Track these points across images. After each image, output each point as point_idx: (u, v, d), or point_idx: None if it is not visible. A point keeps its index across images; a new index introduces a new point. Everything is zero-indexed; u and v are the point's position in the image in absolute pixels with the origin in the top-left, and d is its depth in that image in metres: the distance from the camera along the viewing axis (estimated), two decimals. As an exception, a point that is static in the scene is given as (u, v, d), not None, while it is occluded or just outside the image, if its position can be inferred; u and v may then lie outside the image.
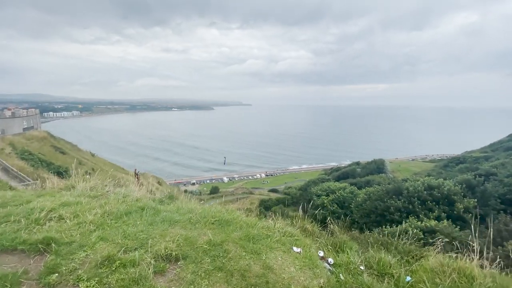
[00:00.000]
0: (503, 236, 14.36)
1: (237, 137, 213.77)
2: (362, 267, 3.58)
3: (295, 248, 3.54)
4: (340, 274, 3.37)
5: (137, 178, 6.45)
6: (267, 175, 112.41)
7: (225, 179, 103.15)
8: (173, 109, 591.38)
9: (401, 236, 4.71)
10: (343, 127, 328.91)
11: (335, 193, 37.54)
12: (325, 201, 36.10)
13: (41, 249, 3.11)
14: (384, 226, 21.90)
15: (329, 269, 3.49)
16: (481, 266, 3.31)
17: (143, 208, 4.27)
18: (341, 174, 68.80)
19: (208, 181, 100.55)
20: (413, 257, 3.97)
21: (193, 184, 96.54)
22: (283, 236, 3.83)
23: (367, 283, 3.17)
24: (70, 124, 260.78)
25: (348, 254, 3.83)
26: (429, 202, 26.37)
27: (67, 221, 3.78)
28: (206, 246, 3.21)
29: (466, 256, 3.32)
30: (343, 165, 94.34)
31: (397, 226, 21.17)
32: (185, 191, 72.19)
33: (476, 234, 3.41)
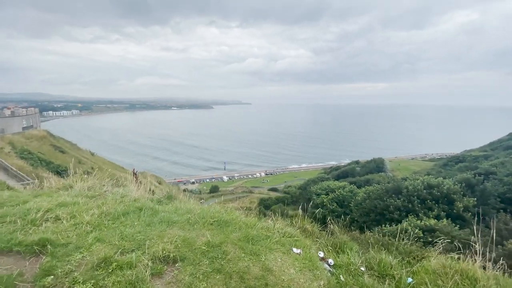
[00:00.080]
0: (503, 235, 14.37)
1: (236, 136, 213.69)
2: (362, 268, 3.54)
3: (295, 249, 3.50)
4: (341, 275, 3.33)
5: (136, 177, 6.39)
6: (266, 174, 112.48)
7: (225, 178, 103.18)
8: (172, 108, 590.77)
9: (401, 236, 4.66)
10: (343, 126, 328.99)
11: (335, 192, 37.53)
12: (325, 200, 36.09)
13: (37, 251, 3.06)
14: (383, 225, 21.91)
15: (329, 270, 3.45)
16: (483, 267, 3.27)
17: (141, 209, 4.21)
18: (341, 173, 68.86)
19: (207, 180, 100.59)
20: (414, 257, 3.92)
21: (193, 183, 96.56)
22: (283, 236, 3.78)
23: (367, 284, 3.13)
24: (69, 123, 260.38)
25: (348, 254, 3.79)
26: (428, 201, 26.38)
27: (64, 221, 3.72)
28: (204, 248, 3.15)
29: (469, 257, 3.28)
30: (342, 164, 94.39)
31: (396, 225, 21.21)
32: (185, 190, 72.25)
33: (479, 235, 3.36)
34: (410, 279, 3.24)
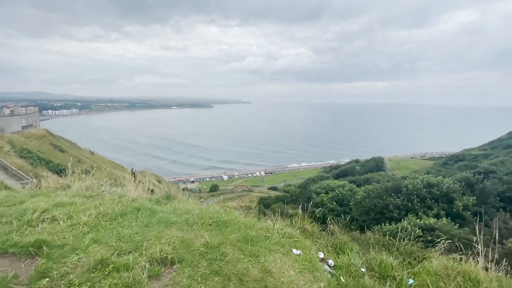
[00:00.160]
0: (503, 234, 14.36)
1: (236, 135, 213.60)
2: (363, 269, 3.50)
3: (294, 250, 3.45)
4: (341, 277, 3.29)
5: (134, 177, 6.34)
6: (266, 173, 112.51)
7: (225, 177, 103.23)
8: (172, 107, 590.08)
9: (402, 235, 4.62)
10: (343, 125, 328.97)
11: (334, 191, 37.54)
12: (324, 199, 36.10)
13: (32, 252, 3.01)
14: (383, 224, 21.91)
15: (330, 272, 3.40)
16: (486, 269, 3.22)
17: (139, 209, 4.16)
18: (340, 172, 68.95)
19: (207, 179, 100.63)
20: (415, 258, 3.88)
21: (193, 182, 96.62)
22: (283, 237, 3.74)
23: (368, 286, 3.09)
24: (69, 122, 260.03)
25: (348, 255, 3.74)
26: (428, 199, 26.38)
27: (60, 222, 3.67)
28: (203, 249, 3.10)
29: (471, 258, 3.23)
30: (342, 163, 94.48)
31: (396, 223, 21.21)
32: (185, 189, 72.30)
33: (481, 236, 3.31)
34: (411, 281, 3.19)
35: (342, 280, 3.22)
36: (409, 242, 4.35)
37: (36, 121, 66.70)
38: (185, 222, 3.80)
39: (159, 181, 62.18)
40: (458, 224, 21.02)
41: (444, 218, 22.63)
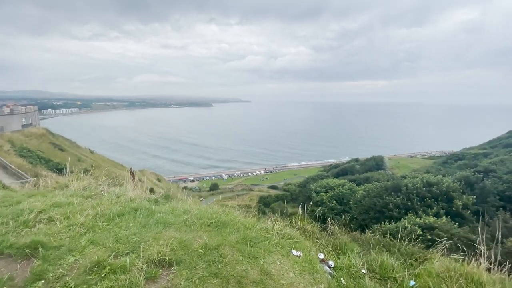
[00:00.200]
0: (503, 233, 14.31)
1: (236, 134, 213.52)
2: (363, 271, 3.46)
3: (294, 252, 3.41)
4: (341, 278, 3.24)
5: (133, 176, 6.28)
6: (266, 172, 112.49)
7: (225, 176, 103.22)
8: (172, 105, 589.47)
9: (402, 235, 4.57)
10: (343, 123, 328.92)
11: (334, 189, 37.55)
12: (324, 198, 36.11)
13: (28, 254, 2.96)
14: (383, 223, 21.92)
15: (330, 273, 3.36)
16: (488, 270, 3.18)
17: (137, 209, 4.11)
18: (340, 171, 68.92)
19: (207, 178, 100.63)
20: (416, 259, 3.84)
21: (193, 181, 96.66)
22: (282, 238, 3.69)
23: (369, 287, 3.04)
24: (69, 121, 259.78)
25: (349, 256, 3.70)
26: (427, 198, 26.38)
27: (57, 223, 3.63)
28: (201, 250, 3.06)
29: (473, 260, 3.18)
30: (342, 162, 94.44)
31: (396, 222, 21.21)
32: (185, 188, 72.36)
33: (483, 236, 3.26)
34: (412, 282, 3.15)
35: (343, 281, 3.17)
36: (410, 243, 4.31)
37: (36, 120, 66.60)
38: (184, 223, 3.75)
39: (159, 180, 62.19)
40: (457, 223, 21.02)
41: (444, 217, 22.63)
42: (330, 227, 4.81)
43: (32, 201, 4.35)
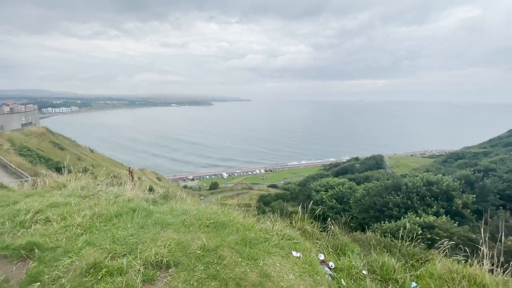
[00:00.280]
0: (504, 232, 14.29)
1: (236, 133, 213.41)
2: (364, 272, 3.41)
3: (294, 253, 3.36)
4: (342, 280, 3.20)
5: (132, 176, 6.23)
6: (266, 171, 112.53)
7: (225, 175, 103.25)
8: (172, 104, 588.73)
9: (403, 236, 4.53)
10: (343, 122, 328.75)
11: (334, 188, 37.54)
12: (324, 197, 36.11)
13: (24, 255, 2.92)
14: (382, 222, 21.92)
15: (330, 274, 3.32)
16: (491, 271, 3.13)
17: (135, 210, 4.06)
18: (340, 170, 68.88)
19: (207, 177, 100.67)
20: (418, 260, 3.79)
21: (193, 179, 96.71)
22: (282, 239, 3.64)
23: (370, 289, 3.00)
24: (68, 119, 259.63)
25: (349, 257, 3.65)
26: (427, 197, 26.38)
27: (54, 223, 3.58)
28: (199, 252, 3.00)
29: (476, 261, 3.13)
30: (342, 161, 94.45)
31: (395, 221, 21.20)
32: (185, 186, 72.38)
33: (487, 238, 3.22)
34: (414, 284, 3.11)
35: (343, 283, 3.13)
36: (411, 243, 4.26)
37: (35, 118, 66.49)
38: (182, 224, 3.71)
39: (159, 179, 62.20)
40: (457, 222, 21.02)
41: (444, 216, 22.64)
42: (330, 227, 4.76)
43: (29, 201, 4.30)
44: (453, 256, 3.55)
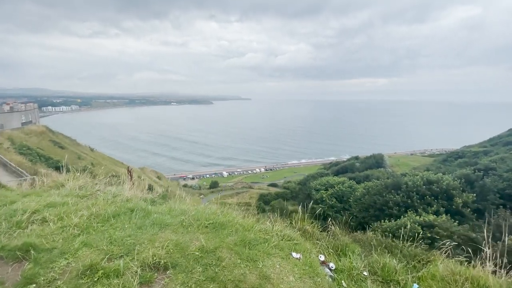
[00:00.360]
0: (504, 232, 14.25)
1: (236, 132, 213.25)
2: (365, 273, 3.37)
3: (294, 254, 3.31)
4: (343, 281, 3.16)
5: (130, 175, 6.18)
6: (266, 170, 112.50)
7: (225, 174, 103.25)
8: (172, 103, 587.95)
9: (404, 235, 4.48)
10: (342, 121, 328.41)
11: (334, 187, 37.52)
12: (324, 195, 36.10)
13: (20, 256, 2.87)
14: (382, 221, 21.90)
15: (331, 275, 3.27)
16: (494, 272, 3.08)
17: (133, 210, 4.00)
18: (340, 169, 68.80)
19: (207, 176, 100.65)
20: (419, 261, 3.74)
21: (193, 178, 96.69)
22: (282, 240, 3.59)
23: (371, 291, 2.95)
24: (68, 118, 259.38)
25: (350, 258, 3.61)
26: (427, 196, 26.35)
27: (51, 224, 3.53)
28: (198, 253, 2.95)
29: (479, 263, 3.08)
30: (342, 160, 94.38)
31: (395, 220, 21.19)
32: (185, 185, 72.39)
33: (489, 239, 3.16)
34: (416, 285, 3.06)
35: (344, 284, 3.09)
36: (413, 244, 4.21)
37: (35, 117, 66.40)
38: (180, 224, 3.65)
39: (159, 178, 62.18)
40: (457, 221, 21.00)
41: (444, 215, 22.61)
42: (330, 228, 4.71)
43: (26, 201, 4.26)
44: (455, 257, 3.50)
